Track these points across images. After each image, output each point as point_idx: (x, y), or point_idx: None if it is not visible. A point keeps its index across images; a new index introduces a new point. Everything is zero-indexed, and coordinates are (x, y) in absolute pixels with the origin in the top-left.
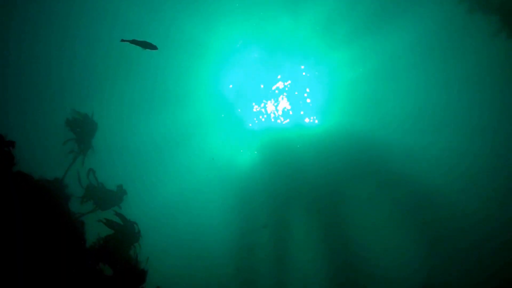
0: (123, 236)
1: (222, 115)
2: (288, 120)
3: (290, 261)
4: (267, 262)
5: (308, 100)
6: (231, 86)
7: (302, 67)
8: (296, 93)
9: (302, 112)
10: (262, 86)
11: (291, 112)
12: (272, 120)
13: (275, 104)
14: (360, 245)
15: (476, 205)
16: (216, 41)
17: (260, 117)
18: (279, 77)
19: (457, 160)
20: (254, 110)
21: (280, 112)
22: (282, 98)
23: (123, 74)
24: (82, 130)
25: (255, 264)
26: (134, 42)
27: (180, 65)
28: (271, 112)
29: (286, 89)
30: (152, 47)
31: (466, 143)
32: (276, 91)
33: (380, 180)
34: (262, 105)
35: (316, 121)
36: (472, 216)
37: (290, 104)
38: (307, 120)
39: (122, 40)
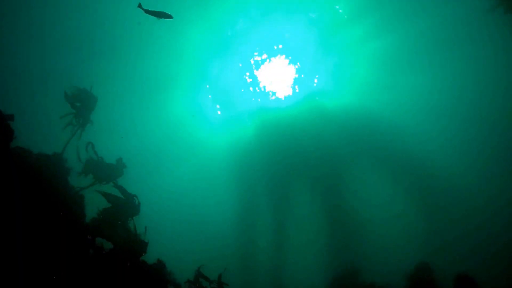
0: (122, 208)
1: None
2: (290, 97)
3: (290, 237)
4: (267, 237)
5: (316, 77)
6: (236, 56)
7: (306, 37)
8: (298, 64)
9: (307, 89)
10: (266, 62)
11: (296, 88)
12: (274, 97)
13: (279, 79)
14: (361, 221)
15: (483, 189)
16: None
17: (261, 94)
18: (285, 54)
19: (460, 142)
20: (260, 86)
21: (283, 89)
22: (286, 73)
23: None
24: (82, 105)
25: (255, 240)
26: (148, 12)
27: (179, 42)
28: (272, 89)
29: (290, 63)
30: (167, 16)
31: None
32: (280, 66)
33: (381, 159)
34: (264, 80)
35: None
36: (478, 199)
37: (296, 79)
38: (313, 95)
39: (139, 6)
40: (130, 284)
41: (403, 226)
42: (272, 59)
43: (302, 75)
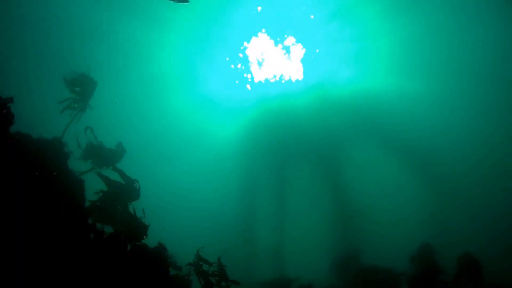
0: (123, 193)
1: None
2: (297, 82)
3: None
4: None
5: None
6: (242, 47)
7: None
8: (306, 49)
9: (316, 74)
10: (272, 45)
11: (303, 74)
12: (279, 81)
13: (285, 65)
14: (365, 206)
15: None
16: None
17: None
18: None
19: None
20: (265, 74)
21: (290, 74)
22: (294, 58)
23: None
24: (82, 89)
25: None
26: None
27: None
28: (277, 74)
29: (299, 46)
30: (183, 0)
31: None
32: (287, 50)
33: (387, 142)
34: (270, 66)
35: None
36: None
37: (304, 64)
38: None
39: None
40: (131, 267)
41: (408, 211)
42: (279, 44)
43: (311, 60)
